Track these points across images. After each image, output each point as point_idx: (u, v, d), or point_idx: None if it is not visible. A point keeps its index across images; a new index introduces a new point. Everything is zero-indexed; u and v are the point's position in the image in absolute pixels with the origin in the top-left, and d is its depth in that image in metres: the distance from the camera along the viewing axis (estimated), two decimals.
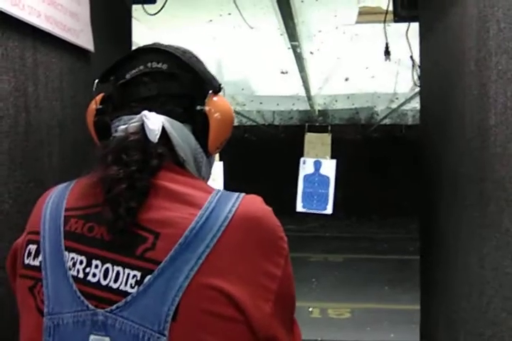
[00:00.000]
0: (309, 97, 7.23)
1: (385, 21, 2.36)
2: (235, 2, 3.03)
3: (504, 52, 1.26)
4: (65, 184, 1.03)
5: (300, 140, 7.79)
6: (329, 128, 7.96)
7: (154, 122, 0.95)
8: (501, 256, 1.32)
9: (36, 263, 0.93)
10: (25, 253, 0.96)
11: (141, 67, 1.03)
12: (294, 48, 3.98)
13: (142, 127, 0.96)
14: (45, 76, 1.64)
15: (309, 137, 7.96)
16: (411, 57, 2.33)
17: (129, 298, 0.86)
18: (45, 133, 1.64)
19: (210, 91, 1.03)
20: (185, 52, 1.06)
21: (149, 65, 1.02)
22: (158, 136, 0.95)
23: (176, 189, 0.93)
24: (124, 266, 0.86)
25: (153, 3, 2.57)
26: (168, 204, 0.91)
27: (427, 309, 2.23)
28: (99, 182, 0.92)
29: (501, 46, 1.28)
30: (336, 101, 8.36)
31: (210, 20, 3.67)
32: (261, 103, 8.54)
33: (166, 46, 1.06)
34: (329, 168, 7.85)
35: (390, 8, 2.61)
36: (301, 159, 7.93)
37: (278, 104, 9.03)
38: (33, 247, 0.95)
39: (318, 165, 7.89)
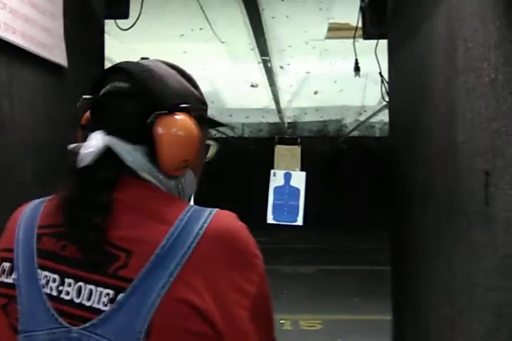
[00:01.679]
0: (279, 110, 7.29)
1: (354, 38, 2.41)
2: (206, 17, 3.06)
3: (471, 71, 1.31)
4: (38, 200, 1.03)
5: (270, 152, 7.84)
6: (299, 140, 8.04)
7: (90, 146, 0.95)
8: (471, 267, 1.36)
9: (10, 280, 0.93)
10: None
11: (108, 87, 1.03)
12: (265, 63, 4.03)
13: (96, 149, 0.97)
14: (19, 92, 1.64)
15: (279, 149, 8.02)
16: (380, 73, 2.39)
17: (102, 315, 0.87)
18: (19, 148, 1.64)
19: (158, 112, 0.99)
20: (148, 70, 1.03)
21: (114, 84, 1.02)
22: (87, 162, 0.94)
23: (147, 206, 0.95)
24: (97, 284, 0.88)
25: (126, 18, 2.58)
26: (139, 221, 0.92)
27: (399, 320, 2.26)
28: (60, 203, 0.94)
29: (469, 65, 1.33)
30: (306, 113, 8.44)
31: (182, 35, 3.70)
32: (230, 115, 8.57)
33: (133, 64, 1.05)
34: (299, 179, 7.90)
35: (360, 24, 2.68)
36: (272, 171, 7.96)
37: (248, 117, 9.08)
38: (6, 265, 0.95)
39: (288, 177, 7.94)
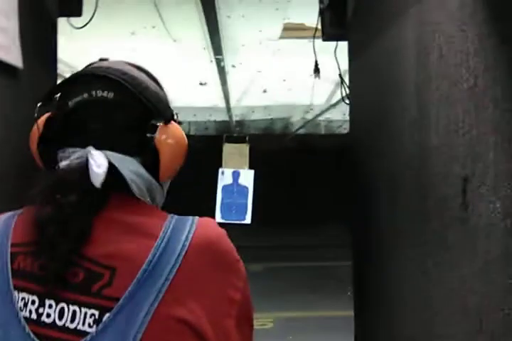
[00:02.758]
0: (229, 109, 7.27)
1: (314, 38, 2.41)
2: (160, 15, 3.00)
3: (445, 78, 1.32)
4: (6, 215, 0.97)
5: (218, 150, 7.80)
6: (247, 138, 8.03)
7: (99, 163, 0.90)
8: (446, 271, 1.38)
9: None
10: None
11: (85, 95, 0.97)
12: (218, 62, 4.00)
13: (85, 164, 0.92)
14: None
15: (227, 148, 7.99)
16: (340, 75, 2.39)
17: (88, 337, 0.82)
18: None
19: (160, 123, 0.98)
20: (133, 77, 1.00)
21: (93, 92, 0.97)
22: (101, 181, 0.90)
23: (128, 220, 0.91)
24: (81, 304, 0.83)
25: (79, 15, 2.49)
26: (122, 236, 0.89)
27: (363, 323, 2.28)
28: (33, 221, 0.88)
29: (443, 71, 1.34)
30: (253, 112, 8.44)
31: (133, 33, 3.61)
32: (177, 113, 8.48)
33: (112, 70, 1.00)
34: (248, 178, 7.91)
35: (316, 24, 2.67)
36: (220, 170, 7.93)
37: (195, 115, 9.00)
38: None
39: (236, 175, 7.93)
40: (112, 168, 0.93)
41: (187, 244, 0.88)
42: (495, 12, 1.10)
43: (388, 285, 1.87)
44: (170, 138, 0.98)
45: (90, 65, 1.06)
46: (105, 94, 0.96)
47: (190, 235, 0.89)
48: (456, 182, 1.28)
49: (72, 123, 0.96)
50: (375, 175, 1.99)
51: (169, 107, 1.04)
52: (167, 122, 1.00)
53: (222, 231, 0.95)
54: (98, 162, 0.90)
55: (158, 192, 1.01)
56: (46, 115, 1.03)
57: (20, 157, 1.87)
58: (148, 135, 0.97)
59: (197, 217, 0.95)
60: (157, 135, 0.97)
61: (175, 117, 1.05)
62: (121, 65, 1.04)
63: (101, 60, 1.08)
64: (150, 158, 0.97)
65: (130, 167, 0.94)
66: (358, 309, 2.41)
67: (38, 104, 1.02)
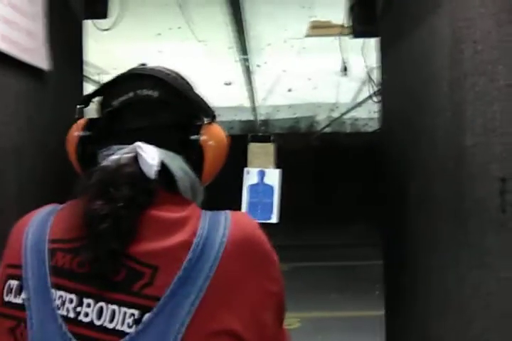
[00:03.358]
0: (254, 108, 7.26)
1: (341, 36, 2.37)
2: (185, 16, 2.99)
3: (482, 74, 1.28)
4: (44, 211, 0.94)
5: (242, 150, 7.79)
6: (272, 138, 8.01)
7: (152, 156, 0.89)
8: (484, 275, 1.33)
9: (19, 301, 0.85)
10: (5, 289, 0.87)
11: (131, 94, 0.96)
12: (243, 61, 3.97)
13: (135, 159, 0.90)
14: (1, 99, 1.54)
15: (252, 147, 7.98)
16: (368, 73, 2.35)
17: (127, 338, 0.80)
18: (0, 159, 1.54)
19: (206, 121, 0.97)
20: (176, 78, 1.00)
21: (139, 92, 0.96)
22: (156, 172, 0.88)
23: (170, 217, 0.89)
24: (120, 304, 0.80)
25: (105, 18, 2.49)
26: (162, 234, 0.86)
27: (395, 325, 2.24)
28: (82, 215, 0.86)
29: (478, 68, 1.29)
30: (278, 111, 8.42)
31: (159, 34, 3.61)
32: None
33: (156, 71, 1.00)
34: (273, 177, 7.89)
35: (343, 21, 2.63)
36: (245, 169, 7.92)
37: (220, 115, 9.00)
38: (14, 283, 0.86)
39: (262, 174, 7.92)
40: (160, 163, 0.91)
41: (224, 240, 0.85)
42: None
43: (423, 288, 1.83)
44: (214, 139, 0.97)
45: (131, 69, 1.06)
46: (150, 92, 0.96)
47: (227, 231, 0.87)
48: (494, 183, 1.24)
49: (117, 121, 0.96)
50: (407, 176, 1.95)
51: (210, 108, 1.01)
52: (211, 122, 0.98)
53: (256, 224, 0.93)
54: (151, 154, 0.89)
55: (200, 192, 1.00)
56: (87, 117, 1.02)
57: (43, 157, 1.88)
58: (192, 135, 0.96)
59: (228, 211, 0.93)
60: (202, 135, 0.96)
61: (216, 117, 1.03)
62: (162, 68, 1.04)
63: (141, 65, 1.08)
64: (194, 158, 0.96)
65: (178, 163, 0.93)
66: (390, 310, 2.37)
67: (78, 106, 1.02)
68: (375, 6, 2.21)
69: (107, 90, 0.99)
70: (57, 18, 2.02)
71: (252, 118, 8.63)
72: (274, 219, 8.36)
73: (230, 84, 6.04)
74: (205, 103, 0.99)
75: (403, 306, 2.08)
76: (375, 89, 2.43)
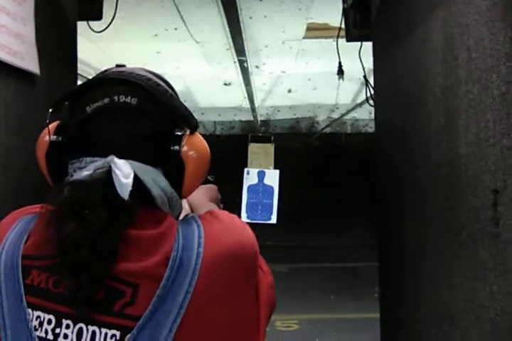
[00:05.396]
0: (253, 109, 7.23)
1: (337, 39, 2.34)
2: (182, 17, 2.96)
3: (476, 82, 1.25)
4: (26, 219, 0.90)
5: (243, 150, 7.75)
6: (272, 138, 7.98)
7: (126, 173, 0.83)
8: (476, 287, 1.30)
9: None
10: None
11: (106, 101, 0.88)
12: (241, 63, 3.95)
13: (109, 175, 0.84)
14: None
15: (252, 147, 7.95)
16: (364, 76, 2.32)
17: None
18: None
19: (187, 132, 0.91)
20: (157, 83, 0.92)
21: (115, 98, 0.88)
22: (129, 192, 0.82)
23: (148, 235, 0.85)
24: (100, 325, 0.77)
25: (99, 19, 2.46)
26: (142, 253, 0.83)
27: (390, 334, 2.21)
28: (55, 236, 0.81)
29: (473, 75, 1.26)
30: (278, 111, 8.39)
31: (155, 35, 3.58)
32: (203, 114, 8.48)
33: (135, 75, 0.91)
34: (273, 178, 7.85)
35: (339, 25, 2.61)
36: (245, 169, 7.88)
37: (220, 115, 8.99)
38: None
39: (261, 175, 7.88)
40: (135, 178, 0.85)
41: (201, 250, 0.82)
42: None
43: (415, 298, 1.80)
44: (196, 151, 0.91)
45: (106, 70, 0.98)
46: (128, 99, 0.88)
47: (202, 240, 0.83)
48: (487, 194, 1.21)
49: (90, 130, 0.88)
50: (400, 182, 1.92)
51: (193, 116, 0.95)
52: (192, 132, 0.92)
53: (228, 223, 0.88)
54: (124, 171, 0.83)
55: (177, 206, 0.95)
56: (58, 121, 0.95)
57: (33, 164, 1.84)
58: (173, 146, 0.89)
59: (196, 216, 0.89)
60: (183, 146, 0.89)
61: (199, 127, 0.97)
62: (142, 71, 0.96)
63: (118, 66, 0.99)
64: (173, 170, 0.90)
65: (154, 178, 0.87)
66: (384, 318, 2.34)
67: (50, 110, 0.95)
68: (369, 10, 2.18)
69: (80, 94, 0.91)
70: (49, 19, 2.00)
71: (251, 118, 8.62)
72: (273, 219, 8.34)
73: (229, 84, 6.02)
74: (187, 111, 0.92)
75: (397, 318, 2.06)
76: (372, 92, 2.40)
